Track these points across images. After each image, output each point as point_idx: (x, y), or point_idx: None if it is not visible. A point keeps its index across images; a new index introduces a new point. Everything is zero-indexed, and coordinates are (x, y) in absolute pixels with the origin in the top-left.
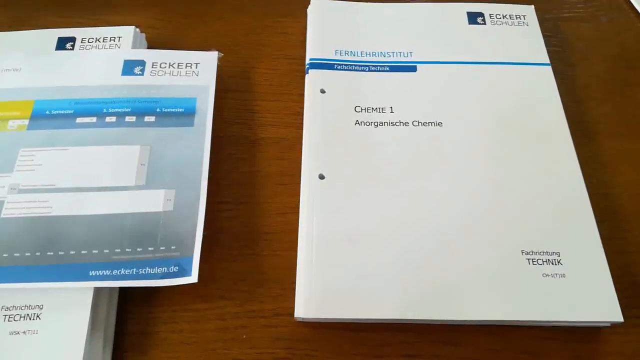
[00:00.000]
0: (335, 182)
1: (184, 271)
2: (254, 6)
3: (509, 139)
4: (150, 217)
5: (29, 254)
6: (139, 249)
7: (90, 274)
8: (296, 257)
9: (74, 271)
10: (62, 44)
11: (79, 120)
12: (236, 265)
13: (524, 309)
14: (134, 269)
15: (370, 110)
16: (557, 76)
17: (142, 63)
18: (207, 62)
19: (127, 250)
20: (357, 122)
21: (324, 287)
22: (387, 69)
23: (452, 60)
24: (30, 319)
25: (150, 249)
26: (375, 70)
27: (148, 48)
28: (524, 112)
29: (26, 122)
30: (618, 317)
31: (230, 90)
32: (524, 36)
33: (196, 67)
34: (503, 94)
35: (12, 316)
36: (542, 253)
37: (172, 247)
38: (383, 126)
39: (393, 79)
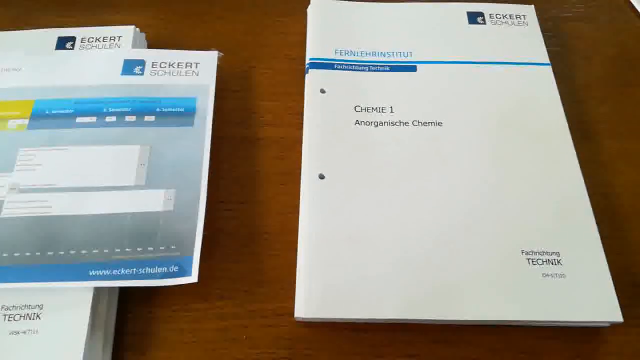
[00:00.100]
0: (335, 182)
1: (184, 271)
2: (253, 6)
3: (509, 139)
4: (150, 217)
5: (28, 254)
6: (138, 249)
7: (90, 274)
8: (296, 257)
9: (74, 271)
10: (62, 43)
11: (78, 120)
12: (236, 265)
13: (523, 309)
14: (134, 269)
15: (370, 110)
16: (557, 76)
17: (142, 63)
18: (207, 62)
19: (127, 250)
20: (357, 122)
21: (324, 287)
22: (387, 68)
23: (452, 60)
24: (30, 319)
25: (150, 248)
26: (375, 70)
27: (148, 48)
28: (524, 112)
29: (26, 121)
30: (618, 317)
31: (230, 90)
32: (524, 36)
33: (196, 67)
34: (503, 94)
35: (12, 316)
36: (542, 253)
37: (172, 247)
38: (383, 126)
39: (393, 78)
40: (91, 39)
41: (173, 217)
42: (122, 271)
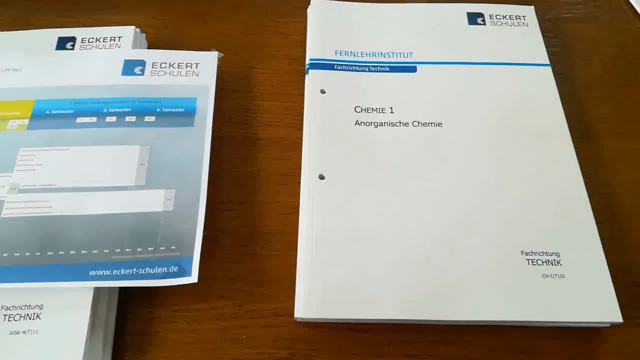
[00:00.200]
0: (335, 182)
1: (184, 271)
2: (254, 6)
3: (509, 140)
4: (150, 217)
5: (28, 254)
6: (138, 249)
7: (90, 274)
8: (296, 257)
9: (74, 271)
10: (62, 43)
11: (79, 120)
12: (236, 265)
13: (523, 309)
14: (134, 269)
15: (371, 111)
16: (557, 76)
17: (142, 63)
18: (207, 62)
19: (127, 250)
20: (357, 123)
21: (324, 287)
22: (387, 69)
23: (452, 60)
24: (30, 319)
25: (150, 249)
26: (375, 71)
27: (148, 48)
28: (524, 113)
29: (26, 121)
30: (617, 317)
31: (230, 90)
32: (524, 37)
33: (196, 67)
34: (503, 95)
35: (12, 316)
36: (541, 253)
37: (172, 247)
38: (383, 126)
39: (393, 79)
40: (91, 39)
41: (173, 217)
42: (122, 271)
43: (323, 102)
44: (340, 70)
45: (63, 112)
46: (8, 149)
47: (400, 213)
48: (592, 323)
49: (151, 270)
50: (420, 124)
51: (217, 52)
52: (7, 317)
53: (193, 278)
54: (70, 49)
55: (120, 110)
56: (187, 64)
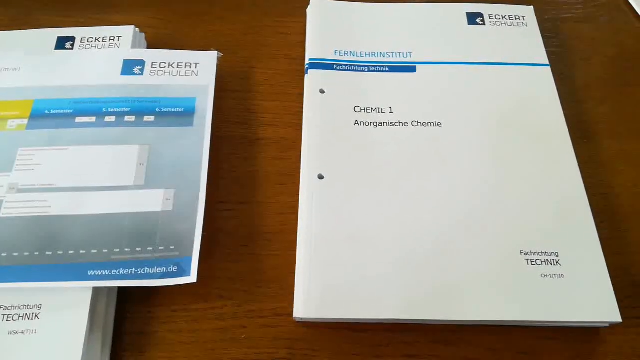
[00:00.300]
0: (334, 182)
1: (183, 271)
2: (253, 6)
3: (508, 140)
4: (149, 217)
5: (27, 254)
6: (138, 249)
7: (89, 274)
8: (296, 257)
9: (73, 271)
10: (62, 43)
11: (78, 119)
12: (235, 265)
13: (523, 309)
14: (133, 269)
15: (370, 111)
16: (556, 76)
17: (141, 63)
18: (206, 62)
19: (126, 250)
20: (356, 122)
21: (324, 287)
22: (387, 69)
23: (451, 60)
24: (29, 319)
25: (149, 248)
26: (374, 71)
27: (148, 48)
28: (523, 113)
29: (25, 121)
30: (616, 317)
31: (229, 90)
32: (524, 37)
33: (196, 67)
34: (502, 95)
35: (11, 316)
36: (541, 253)
37: (171, 247)
38: (382, 126)
39: (393, 79)
40: (91, 39)
41: (172, 217)
42: (121, 271)
43: (322, 102)
44: (339, 70)
45: (62, 111)
46: (7, 148)
47: (400, 213)
48: (591, 323)
49: (150, 270)
50: (419, 124)
51: (216, 52)
52: (5, 317)
53: (192, 278)
54: (70, 49)
55: (119, 110)
56: (186, 63)
